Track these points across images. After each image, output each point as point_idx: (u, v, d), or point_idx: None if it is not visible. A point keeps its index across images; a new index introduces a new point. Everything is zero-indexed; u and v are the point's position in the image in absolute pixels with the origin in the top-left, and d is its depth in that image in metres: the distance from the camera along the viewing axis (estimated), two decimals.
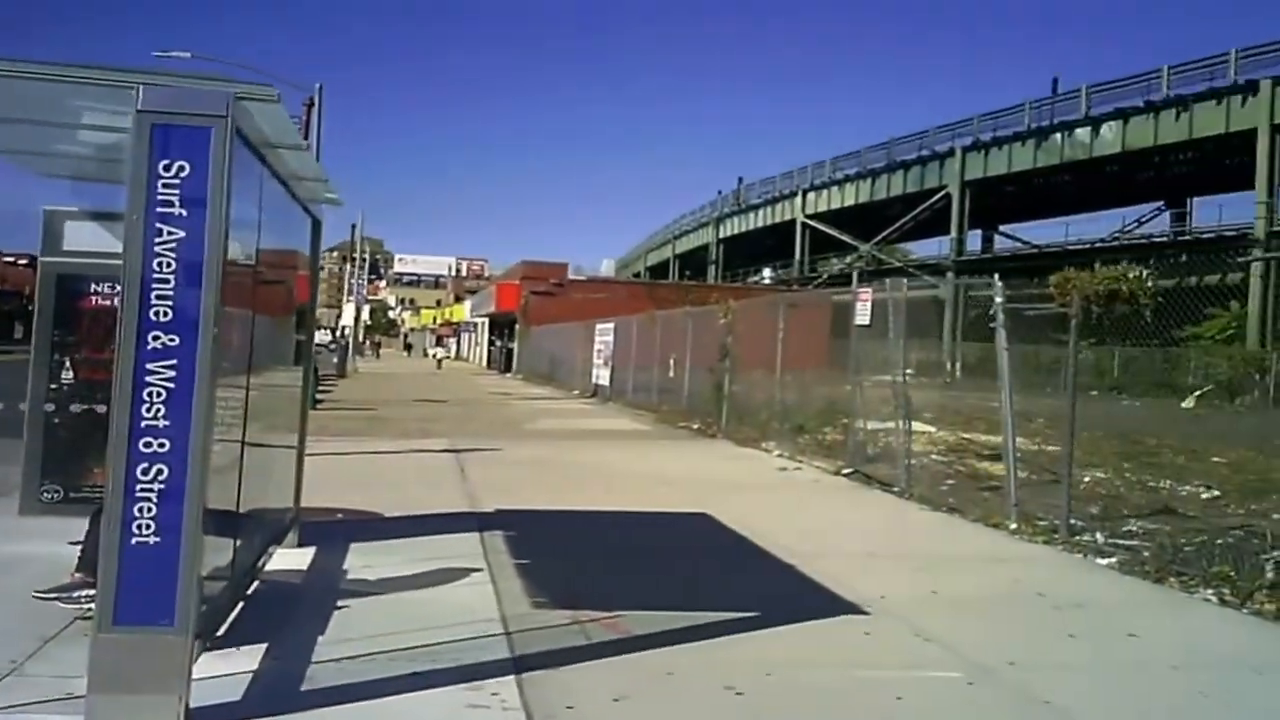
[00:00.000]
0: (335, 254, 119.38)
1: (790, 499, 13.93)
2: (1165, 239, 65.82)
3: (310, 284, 9.39)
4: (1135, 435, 22.54)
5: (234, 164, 4.93)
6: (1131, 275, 11.79)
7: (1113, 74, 63.07)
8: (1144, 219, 76.25)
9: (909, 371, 16.43)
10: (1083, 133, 63.85)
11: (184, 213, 4.80)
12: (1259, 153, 53.27)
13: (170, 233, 4.79)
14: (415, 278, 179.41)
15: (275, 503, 8.21)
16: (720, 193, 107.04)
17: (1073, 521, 11.26)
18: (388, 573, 8.21)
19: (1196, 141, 58.82)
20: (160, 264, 4.78)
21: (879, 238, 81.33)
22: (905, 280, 14.93)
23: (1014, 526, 11.63)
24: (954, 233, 72.60)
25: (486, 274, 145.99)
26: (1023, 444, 20.77)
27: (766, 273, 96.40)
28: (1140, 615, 7.98)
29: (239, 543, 6.42)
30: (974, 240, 78.98)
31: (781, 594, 8.31)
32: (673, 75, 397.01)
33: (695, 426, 24.76)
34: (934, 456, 18.02)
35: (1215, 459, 19.45)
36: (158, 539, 4.76)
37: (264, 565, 7.62)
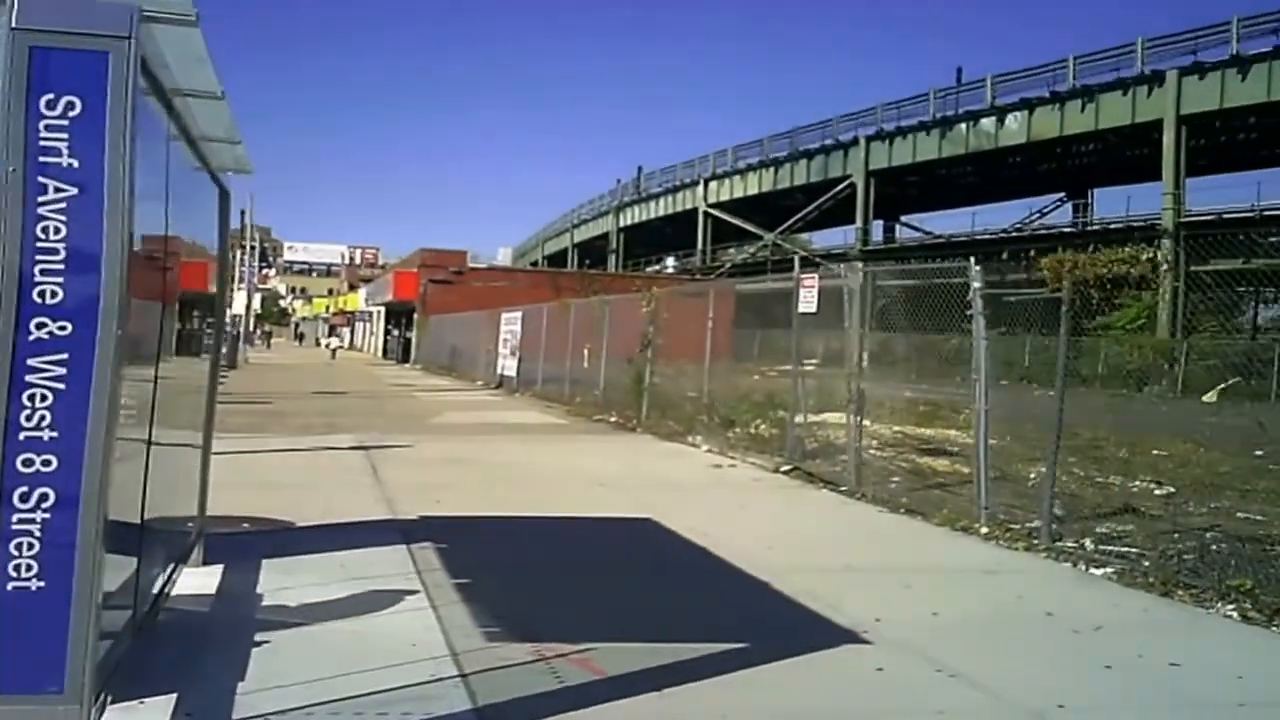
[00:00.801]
0: None
1: (736, 500, 13.03)
2: (1073, 229, 66.09)
3: (219, 264, 8.29)
4: (1067, 428, 22.03)
5: (136, 108, 3.88)
6: (1145, 257, 10.96)
7: (1019, 64, 63.02)
8: (1046, 210, 76.88)
9: (808, 360, 15.78)
10: (988, 123, 63.98)
11: (75, 163, 3.73)
12: (1165, 144, 53.63)
13: (58, 189, 3.72)
14: (306, 266, 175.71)
15: (179, 513, 7.15)
16: (620, 181, 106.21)
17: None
18: (309, 596, 7.18)
19: (1101, 132, 59.16)
20: (46, 230, 3.71)
21: (783, 227, 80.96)
22: (860, 265, 14.11)
23: (985, 531, 10.89)
24: (859, 222, 72.52)
25: (381, 262, 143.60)
26: (957, 436, 20.36)
27: (670, 261, 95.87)
28: (1168, 638, 7.25)
29: (141, 565, 5.35)
30: (876, 230, 78.94)
31: (765, 618, 7.42)
32: (572, 60, 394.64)
33: (613, 419, 23.85)
34: (873, 451, 17.28)
35: (1155, 451, 18.99)
36: (42, 584, 3.71)
37: (170, 590, 6.56)
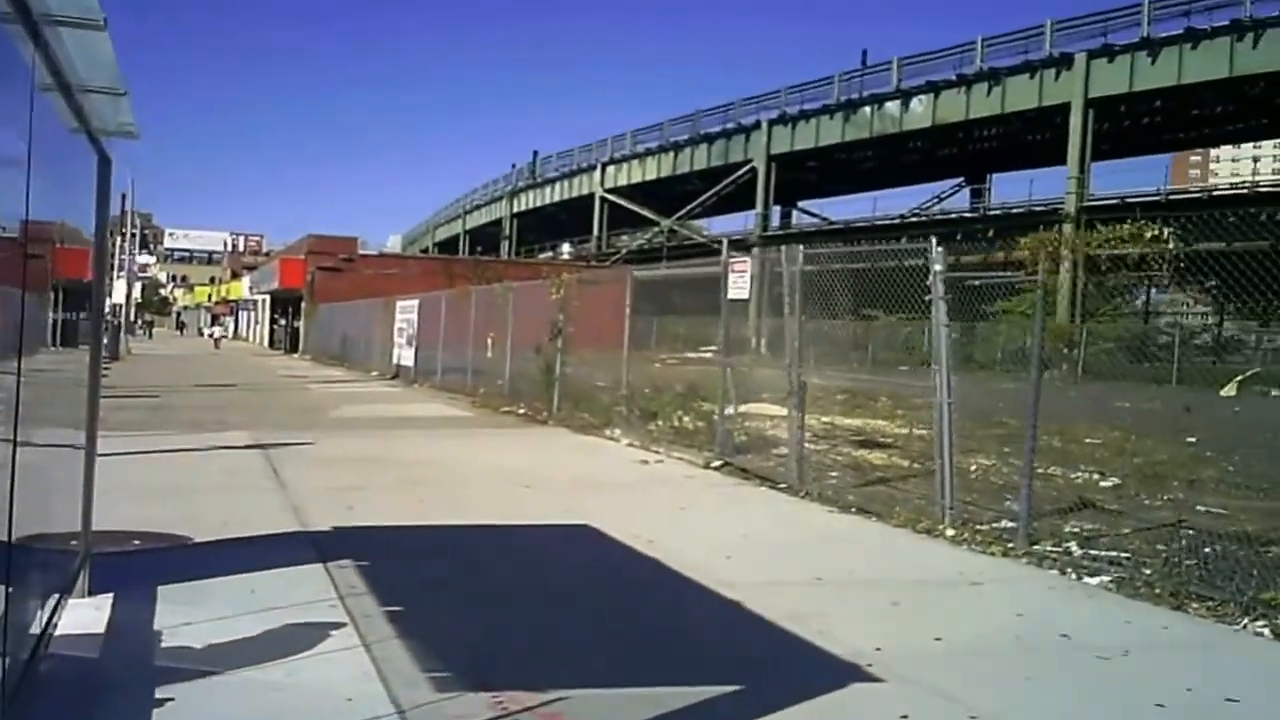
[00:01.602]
0: None
1: (673, 501, 12.08)
2: (973, 214, 66.20)
3: (98, 245, 7.13)
4: (992, 416, 21.46)
5: None
6: (1149, 234, 10.05)
7: (924, 48, 62.80)
8: (944, 195, 77.16)
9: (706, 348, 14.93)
10: (893, 106, 63.82)
11: None
12: (1071, 127, 53.84)
13: None
14: (188, 254, 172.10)
15: (59, 530, 6.04)
16: (515, 166, 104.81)
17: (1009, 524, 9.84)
18: (216, 634, 6.10)
19: (1006, 116, 59.22)
20: None
21: (680, 213, 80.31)
22: (801, 248, 13.23)
23: (952, 533, 10.09)
24: (759, 207, 72.03)
25: (265, 250, 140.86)
26: (886, 426, 19.64)
27: (566, 248, 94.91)
28: (1208, 666, 6.54)
29: (11, 600, 4.24)
30: (773, 216, 78.40)
31: (752, 650, 6.48)
32: (468, 48, 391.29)
33: (521, 411, 22.80)
34: (807, 445, 16.48)
35: (1087, 440, 18.43)
36: None
37: (53, 630, 5.46)
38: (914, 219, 69.22)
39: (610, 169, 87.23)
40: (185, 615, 6.44)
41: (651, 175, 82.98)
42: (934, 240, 10.69)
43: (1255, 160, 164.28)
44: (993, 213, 64.56)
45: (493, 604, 7.33)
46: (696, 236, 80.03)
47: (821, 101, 68.13)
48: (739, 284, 14.40)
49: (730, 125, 75.14)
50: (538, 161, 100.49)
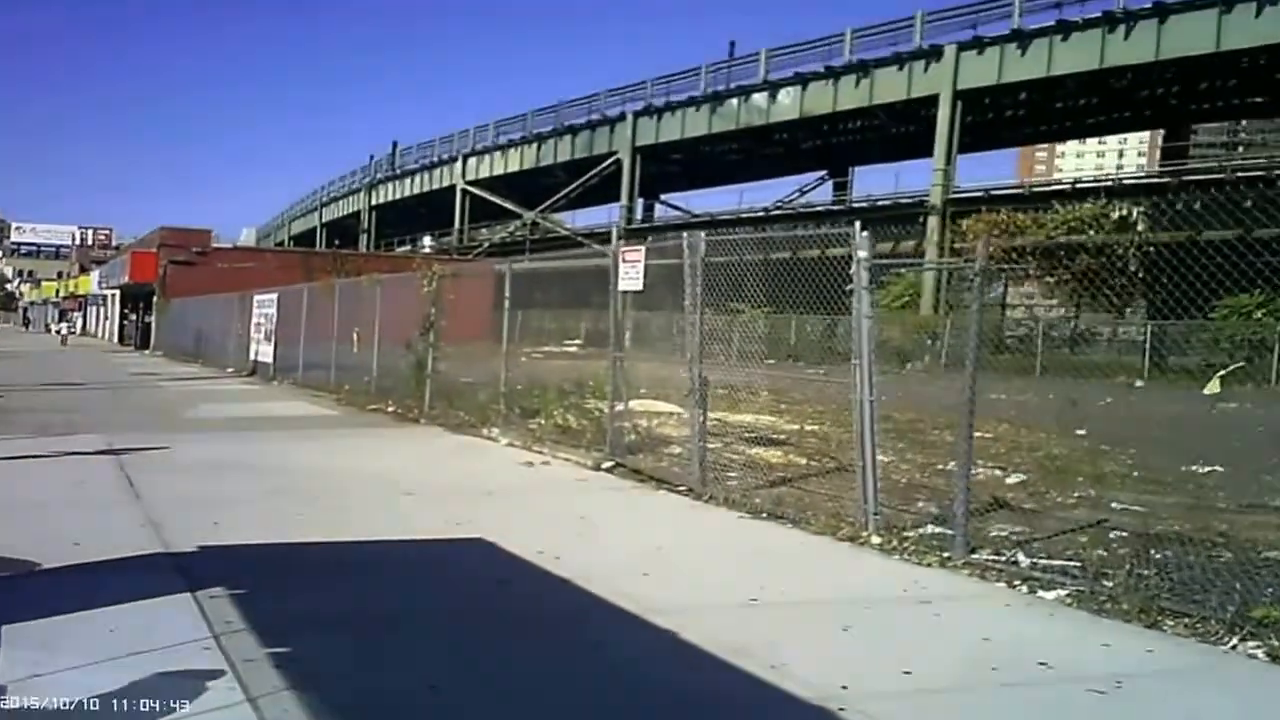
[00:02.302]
0: None
1: (570, 508, 11.25)
2: (840, 206, 66.30)
3: None
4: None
5: None
6: (1115, 215, 9.45)
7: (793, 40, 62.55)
8: (806, 188, 77.40)
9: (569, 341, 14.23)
10: (760, 98, 63.63)
11: None
12: (940, 119, 54.18)
13: None
14: (35, 248, 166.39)
15: None
16: (373, 158, 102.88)
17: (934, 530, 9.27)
18: (73, 689, 5.13)
19: (874, 109, 59.42)
20: None
21: (543, 205, 79.41)
22: (703, 235, 12.47)
23: (878, 541, 9.46)
24: (624, 200, 71.45)
25: (115, 243, 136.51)
26: (775, 422, 19.04)
27: (427, 241, 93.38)
28: (1214, 699, 6.02)
29: None
30: (637, 209, 77.83)
31: (707, 696, 5.71)
32: (324, 33, 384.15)
33: (390, 410, 21.77)
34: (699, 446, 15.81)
35: (978, 434, 17.98)
36: None
37: None
38: (779, 211, 69.28)
39: (472, 161, 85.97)
40: (32, 665, 5.45)
41: (514, 167, 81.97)
42: (858, 225, 10.03)
43: (1100, 155, 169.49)
44: (858, 205, 64.77)
45: (394, 643, 6.39)
46: (560, 229, 79.25)
47: (688, 93, 67.79)
48: (631, 275, 13.62)
49: (595, 117, 74.46)
50: (397, 153, 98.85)
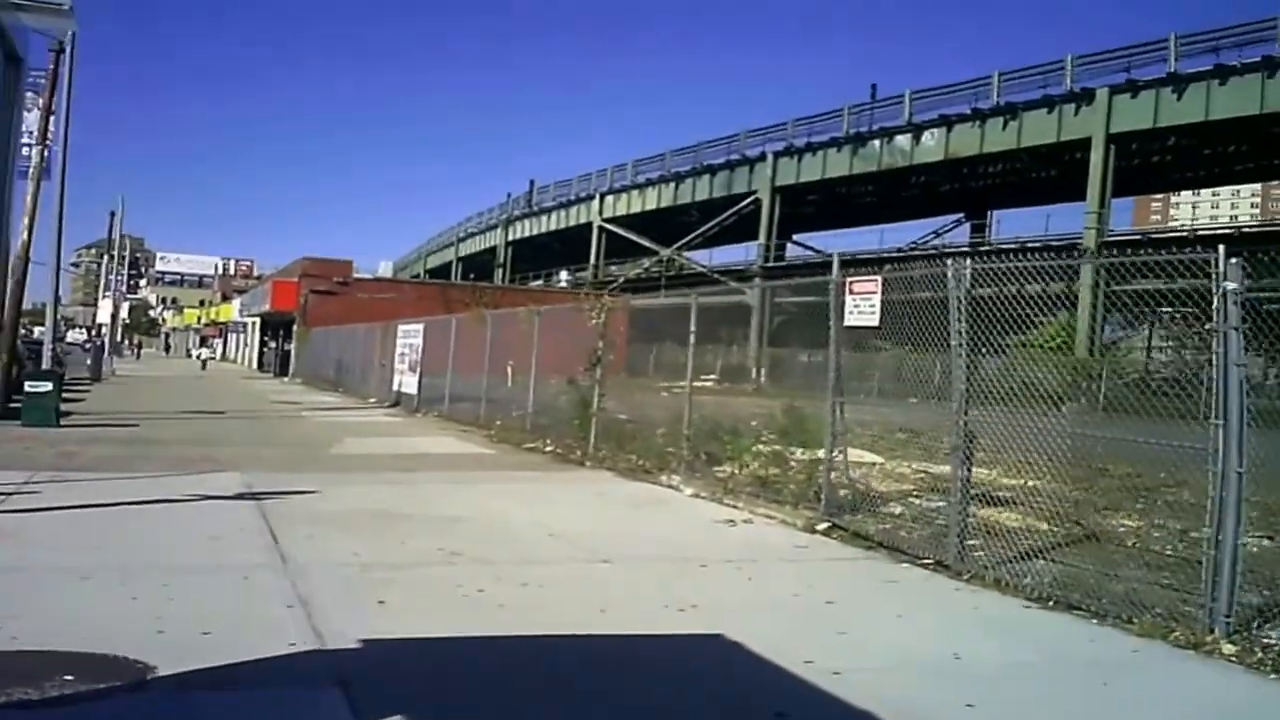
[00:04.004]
0: (92, 251, 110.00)
1: (805, 588, 8.68)
2: (970, 249, 62.97)
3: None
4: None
5: None
6: None
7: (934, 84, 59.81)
8: (942, 230, 74.39)
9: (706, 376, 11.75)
10: (903, 139, 60.82)
11: None
12: (1092, 162, 51.11)
13: None
14: (178, 277, 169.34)
15: None
16: (510, 195, 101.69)
17: None
18: None
19: (1015, 152, 56.38)
20: None
21: (680, 242, 77.13)
22: (969, 263, 9.91)
23: (1231, 650, 7.01)
24: (762, 238, 68.75)
25: (256, 274, 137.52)
26: (988, 475, 16.24)
27: (564, 275, 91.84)
28: None
29: None
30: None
31: None
32: (458, 74, 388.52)
33: (549, 449, 19.47)
34: (916, 499, 13.16)
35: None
36: None
37: None
38: (916, 252, 66.27)
39: (609, 199, 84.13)
40: None
41: (651, 205, 79.88)
42: (1221, 249, 7.41)
43: (1214, 206, 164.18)
44: (1005, 246, 61.31)
45: None
46: (696, 266, 76.90)
47: (829, 134, 65.07)
48: (863, 308, 11.12)
49: (734, 157, 72.00)
50: (534, 190, 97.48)
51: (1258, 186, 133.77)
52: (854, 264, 49.20)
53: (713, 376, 48.78)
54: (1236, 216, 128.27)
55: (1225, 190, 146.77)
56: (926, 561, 9.75)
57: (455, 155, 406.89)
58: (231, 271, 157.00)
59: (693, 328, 15.17)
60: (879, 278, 11.18)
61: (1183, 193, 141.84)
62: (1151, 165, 59.17)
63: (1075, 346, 45.57)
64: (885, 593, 8.80)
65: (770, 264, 68.54)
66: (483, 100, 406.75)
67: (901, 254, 65.04)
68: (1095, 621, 7.80)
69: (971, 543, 10.15)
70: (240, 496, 12.34)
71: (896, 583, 9.13)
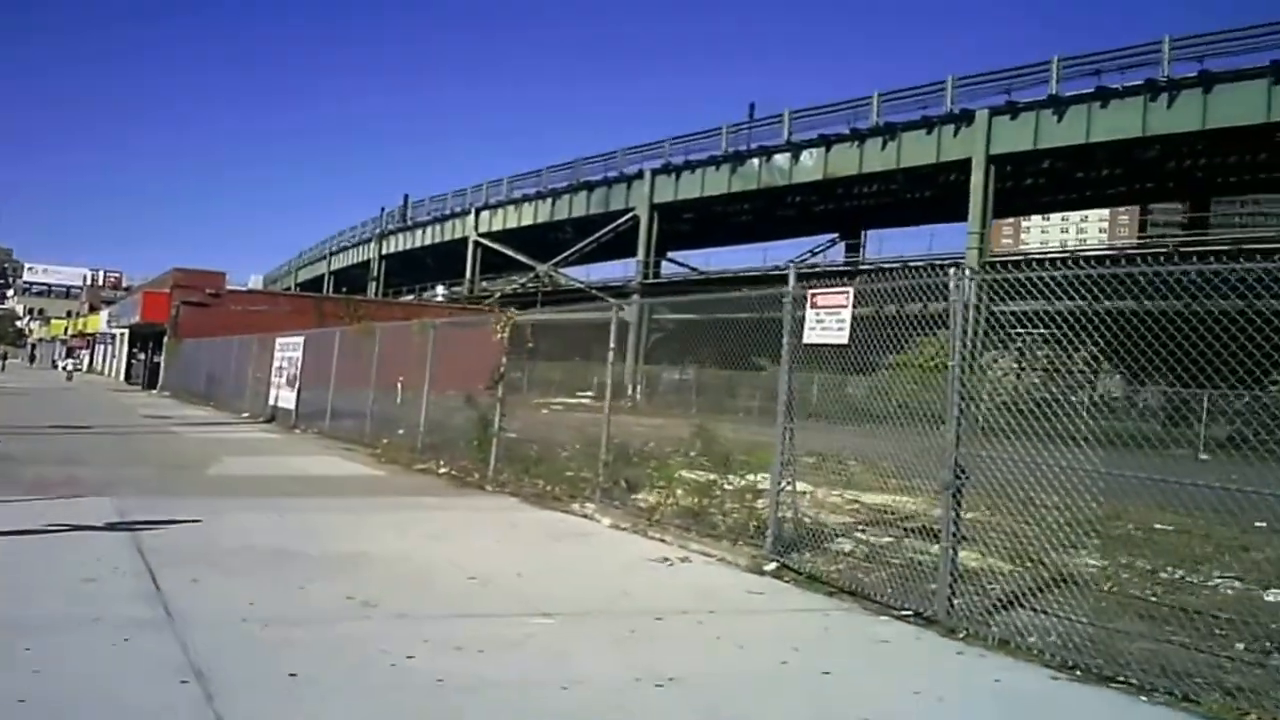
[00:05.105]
0: None
1: (795, 659, 7.23)
2: (850, 267, 62.69)
3: None
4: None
5: None
6: None
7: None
8: (818, 249, 74.16)
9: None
10: (782, 159, 60.07)
11: None
12: (973, 183, 50.69)
13: None
14: (46, 288, 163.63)
15: None
16: (384, 210, 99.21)
17: None
18: None
19: (892, 173, 56.03)
20: None
21: (557, 259, 75.67)
22: (967, 270, 8.72)
23: None
24: (641, 255, 67.47)
25: (125, 285, 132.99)
26: (909, 503, 15.12)
27: (440, 290, 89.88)
28: None
29: None
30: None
31: None
32: (330, 84, 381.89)
33: (444, 471, 17.93)
34: (860, 534, 11.96)
35: (1158, 526, 14.20)
36: None
37: None
38: (786, 270, 65.65)
39: (485, 214, 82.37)
40: None
41: (528, 221, 78.33)
42: None
43: (1063, 230, 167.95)
44: (888, 265, 61.02)
45: None
46: (574, 282, 75.56)
47: (708, 153, 64.13)
48: (828, 324, 9.89)
49: (612, 174, 70.77)
50: (409, 205, 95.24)
51: (1105, 212, 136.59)
52: (735, 281, 48.27)
53: (589, 394, 47.56)
54: (1085, 240, 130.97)
55: (1074, 215, 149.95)
56: (906, 614, 8.48)
57: (328, 168, 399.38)
58: (100, 282, 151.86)
59: (612, 344, 13.85)
60: (850, 289, 9.93)
61: (1033, 217, 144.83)
62: (1025, 188, 59.25)
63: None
64: (883, 659, 7.47)
65: (650, 280, 67.32)
66: (353, 113, 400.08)
67: (780, 272, 64.46)
68: (1144, 699, 6.57)
69: (931, 586, 8.96)
70: (113, 527, 10.67)
71: (887, 643, 7.80)
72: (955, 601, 8.22)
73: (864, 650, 7.64)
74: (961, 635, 7.86)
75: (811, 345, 10.25)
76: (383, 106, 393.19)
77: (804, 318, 10.29)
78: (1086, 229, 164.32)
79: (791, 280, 10.74)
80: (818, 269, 64.02)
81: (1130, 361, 8.13)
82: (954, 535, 8.28)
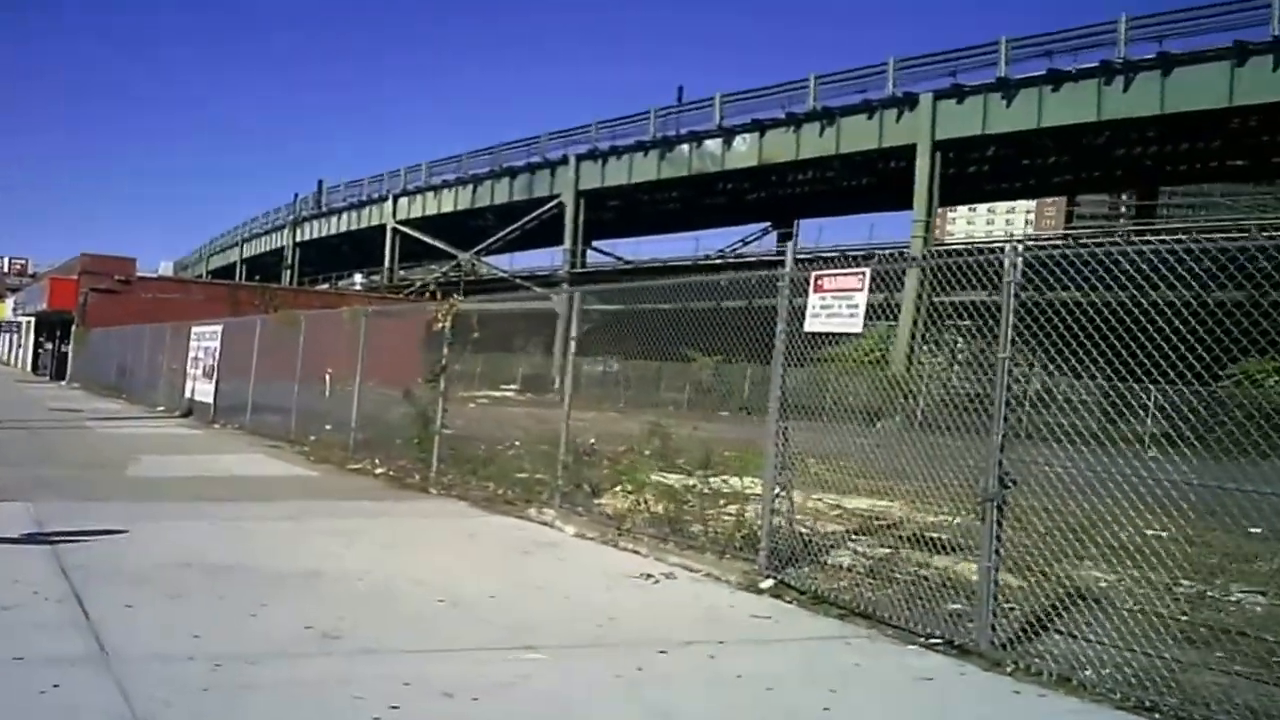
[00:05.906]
0: None
1: (839, 705, 6.33)
2: (806, 256, 62.04)
3: None
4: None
5: None
6: None
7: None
8: (749, 239, 73.68)
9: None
10: (714, 144, 58.66)
11: None
12: (919, 169, 49.10)
13: None
14: None
15: None
16: (298, 195, 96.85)
17: None
18: None
19: (827, 160, 55.02)
20: None
21: (479, 247, 74.02)
22: (1020, 248, 7.89)
23: None
24: (568, 243, 65.85)
25: (31, 271, 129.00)
26: (889, 507, 14.39)
27: (358, 278, 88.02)
28: None
29: None
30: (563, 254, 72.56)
31: None
32: (251, 69, 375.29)
33: (381, 471, 16.93)
34: (853, 543, 11.16)
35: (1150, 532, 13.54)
36: None
37: None
38: (716, 260, 65.04)
39: (403, 201, 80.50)
40: None
41: (448, 208, 76.56)
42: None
43: (989, 222, 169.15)
44: (826, 255, 60.28)
45: None
46: (497, 271, 74.28)
47: (635, 138, 62.58)
48: (837, 310, 9.02)
49: (536, 159, 68.94)
50: (324, 191, 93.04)
51: (1032, 204, 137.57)
52: (667, 270, 47.28)
53: (514, 386, 46.45)
54: (1012, 233, 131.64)
55: (1001, 206, 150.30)
56: (936, 642, 7.64)
57: (239, 150, 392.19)
58: (5, 269, 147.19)
59: (573, 333, 12.90)
60: (866, 270, 8.99)
61: (959, 208, 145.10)
62: (968, 175, 58.11)
63: (892, 360, 44.75)
64: (934, 703, 6.60)
65: (578, 270, 65.93)
66: (266, 98, 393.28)
67: (710, 262, 63.78)
68: None
69: (953, 607, 8.19)
70: (31, 539, 9.62)
71: (931, 680, 6.92)
72: (997, 629, 7.42)
73: (909, 691, 6.74)
74: (1009, 670, 7.02)
75: (818, 332, 9.37)
76: (298, 85, 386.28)
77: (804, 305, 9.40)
78: (1013, 220, 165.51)
79: (789, 262, 9.93)
80: (757, 258, 63.50)
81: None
82: (996, 554, 7.43)
